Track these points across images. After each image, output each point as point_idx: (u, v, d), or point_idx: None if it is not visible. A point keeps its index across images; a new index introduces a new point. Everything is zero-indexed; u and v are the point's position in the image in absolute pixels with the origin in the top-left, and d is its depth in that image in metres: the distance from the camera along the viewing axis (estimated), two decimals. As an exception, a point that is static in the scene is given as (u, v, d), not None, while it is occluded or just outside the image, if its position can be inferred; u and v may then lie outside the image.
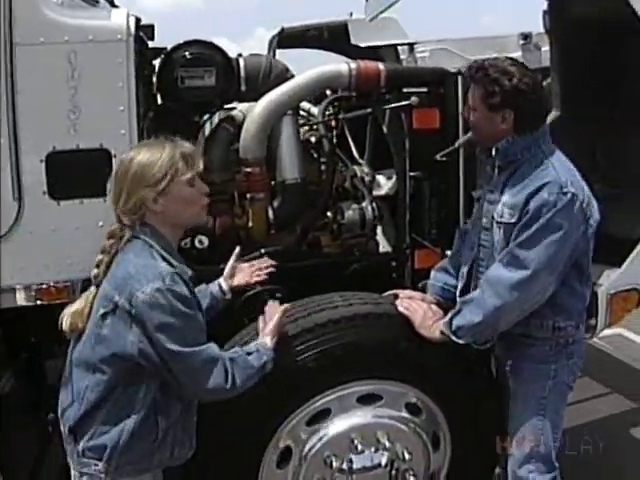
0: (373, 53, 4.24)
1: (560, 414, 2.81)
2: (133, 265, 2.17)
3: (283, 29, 4.44)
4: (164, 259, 2.20)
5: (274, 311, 2.60)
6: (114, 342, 2.15)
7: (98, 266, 2.26)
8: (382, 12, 3.25)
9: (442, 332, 2.70)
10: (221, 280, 2.77)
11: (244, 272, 2.84)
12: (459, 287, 2.91)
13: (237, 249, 2.88)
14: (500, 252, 2.65)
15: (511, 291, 2.56)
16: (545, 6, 3.18)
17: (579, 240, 2.59)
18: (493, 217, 2.70)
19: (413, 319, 2.80)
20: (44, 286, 2.75)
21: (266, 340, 2.44)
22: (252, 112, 3.24)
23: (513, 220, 2.58)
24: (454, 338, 2.66)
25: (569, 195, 2.50)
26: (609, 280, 3.03)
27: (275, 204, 3.34)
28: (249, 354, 2.33)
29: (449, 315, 2.72)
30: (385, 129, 3.48)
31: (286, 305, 2.63)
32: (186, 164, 2.22)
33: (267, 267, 2.91)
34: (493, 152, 2.71)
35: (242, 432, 2.67)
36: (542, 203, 2.50)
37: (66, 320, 2.27)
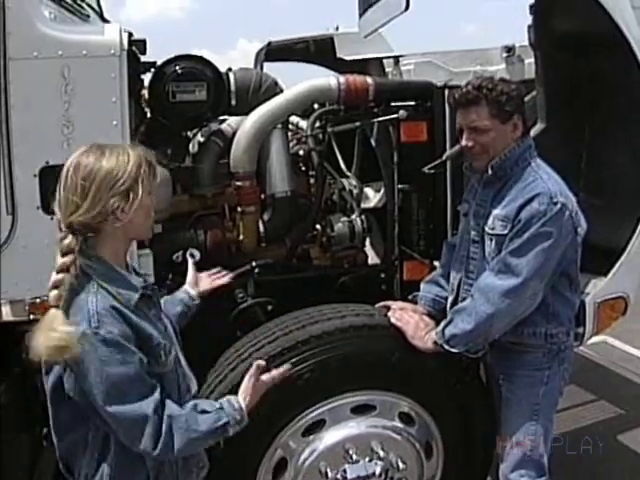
0: (359, 66, 4.30)
1: (551, 419, 2.86)
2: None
3: (270, 43, 4.49)
4: (102, 287, 1.95)
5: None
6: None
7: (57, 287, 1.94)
8: (378, 29, 3.27)
9: (435, 342, 2.73)
10: (187, 287, 2.67)
11: (206, 279, 2.77)
12: (449, 300, 2.94)
13: (191, 260, 2.86)
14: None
15: (503, 298, 2.60)
16: (530, 20, 3.23)
17: (568, 248, 2.65)
18: (483, 230, 2.74)
19: (405, 330, 2.83)
20: (37, 300, 2.72)
21: (238, 399, 2.13)
22: (243, 126, 3.27)
23: (505, 231, 2.63)
24: (447, 347, 2.69)
25: (559, 205, 2.56)
26: (596, 289, 3.08)
27: (265, 217, 3.37)
28: (204, 412, 2.02)
29: (441, 325, 2.75)
30: (373, 142, 3.52)
31: (259, 361, 2.23)
32: (149, 171, 2.02)
33: (226, 273, 2.86)
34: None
35: (238, 443, 2.67)
36: (533, 213, 2.56)
37: None
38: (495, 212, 2.68)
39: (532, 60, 3.58)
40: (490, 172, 2.69)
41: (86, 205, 1.92)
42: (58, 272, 1.93)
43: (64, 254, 1.94)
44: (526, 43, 3.62)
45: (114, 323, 1.90)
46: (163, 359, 2.02)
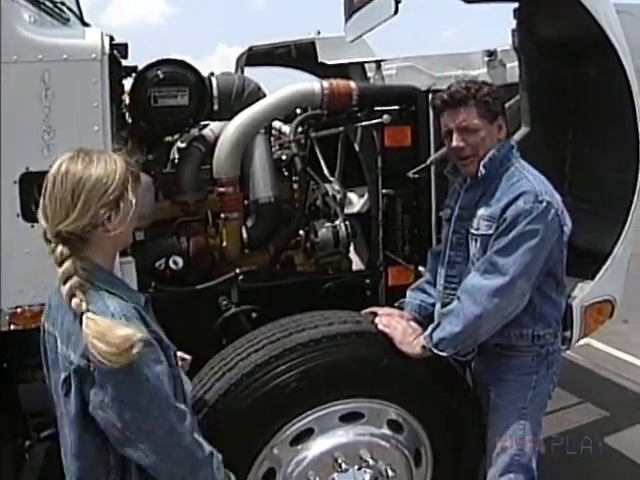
0: (341, 71, 4.28)
1: (540, 423, 2.85)
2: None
3: (251, 47, 4.46)
4: (110, 293, 1.89)
5: None
6: None
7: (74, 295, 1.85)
8: (365, 34, 3.25)
9: (423, 347, 2.71)
10: None
11: None
12: (437, 306, 2.92)
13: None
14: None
15: (490, 298, 2.58)
16: (514, 24, 3.23)
17: (554, 247, 2.64)
18: (467, 232, 2.73)
19: (393, 336, 2.80)
20: (18, 310, 2.66)
21: None
22: (225, 131, 3.23)
23: (490, 231, 2.62)
24: (436, 351, 2.67)
25: (544, 203, 2.55)
26: (583, 293, 3.08)
27: (249, 223, 3.33)
28: None
29: (429, 329, 2.73)
30: (357, 147, 3.50)
31: None
32: (134, 179, 1.96)
33: None
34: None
35: (226, 453, 2.62)
36: (518, 212, 2.55)
37: None
38: (480, 213, 2.68)
39: (514, 64, 3.58)
40: (483, 171, 2.67)
41: (75, 214, 1.85)
42: (64, 282, 1.86)
43: (60, 263, 1.87)
44: (508, 47, 3.63)
45: (141, 325, 1.86)
46: (172, 361, 2.00)
